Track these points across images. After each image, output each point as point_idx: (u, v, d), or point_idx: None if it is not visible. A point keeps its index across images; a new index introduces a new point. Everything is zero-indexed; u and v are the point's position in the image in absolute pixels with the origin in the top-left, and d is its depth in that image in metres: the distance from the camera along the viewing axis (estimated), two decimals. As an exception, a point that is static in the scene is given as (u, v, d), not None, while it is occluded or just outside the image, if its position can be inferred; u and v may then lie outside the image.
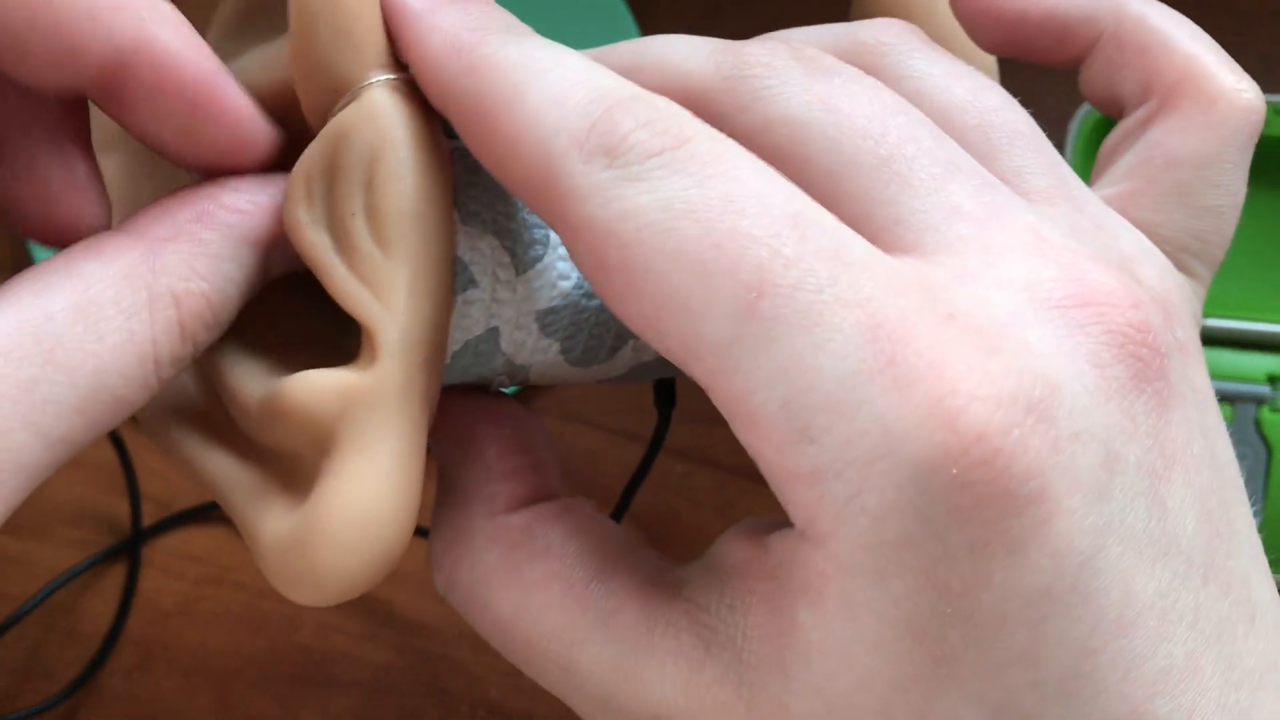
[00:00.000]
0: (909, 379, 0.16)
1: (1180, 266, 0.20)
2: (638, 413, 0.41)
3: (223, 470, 0.21)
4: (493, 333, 0.21)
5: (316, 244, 0.19)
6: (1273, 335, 0.39)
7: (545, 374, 0.22)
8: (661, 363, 0.23)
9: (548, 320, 0.21)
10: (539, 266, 0.21)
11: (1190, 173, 0.20)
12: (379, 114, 0.19)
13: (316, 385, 0.19)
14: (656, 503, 0.40)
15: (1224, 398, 0.39)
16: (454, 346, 0.21)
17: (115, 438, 0.39)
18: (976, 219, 0.17)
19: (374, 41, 0.19)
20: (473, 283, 0.20)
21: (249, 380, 0.20)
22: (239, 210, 0.20)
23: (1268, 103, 0.38)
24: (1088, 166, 0.40)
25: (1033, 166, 0.19)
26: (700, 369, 0.17)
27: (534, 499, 0.21)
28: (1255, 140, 0.21)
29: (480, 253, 0.20)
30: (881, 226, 0.18)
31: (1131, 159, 0.21)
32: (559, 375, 0.23)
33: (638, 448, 0.40)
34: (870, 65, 0.20)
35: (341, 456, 0.18)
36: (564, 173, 0.17)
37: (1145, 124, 0.21)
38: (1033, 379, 0.16)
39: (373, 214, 0.19)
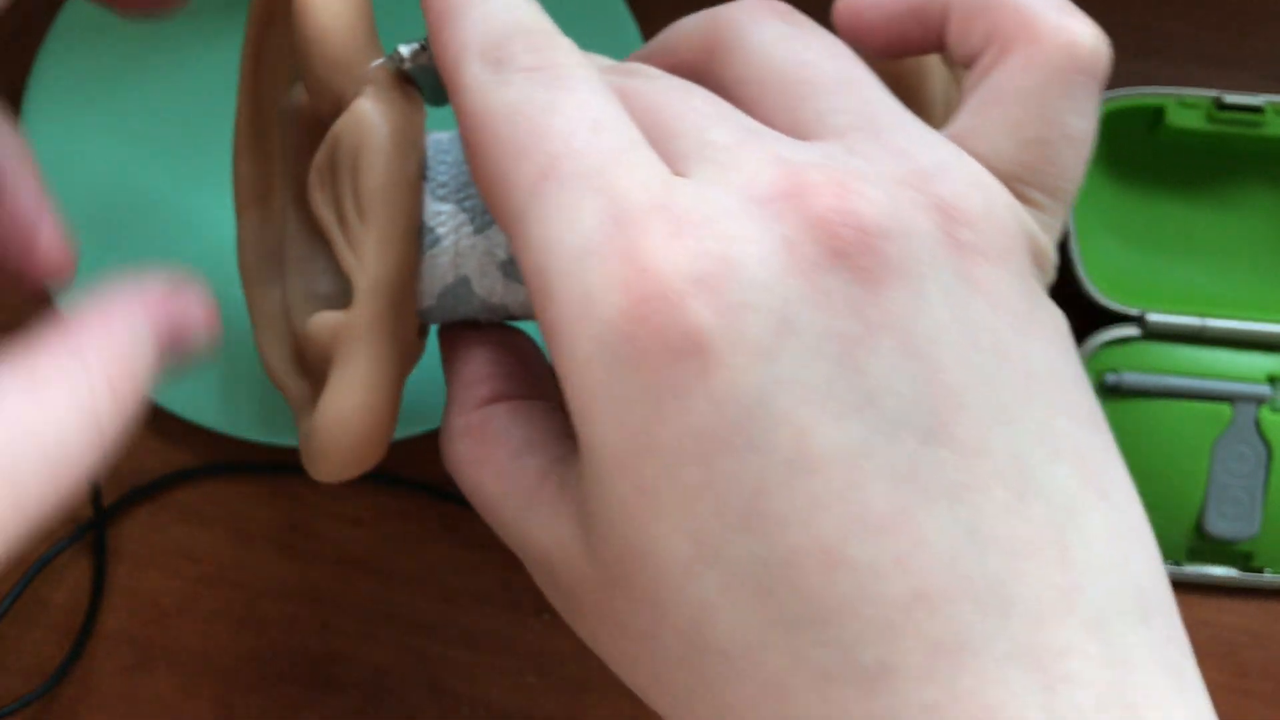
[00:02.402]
0: (614, 255, 0.19)
1: (1019, 195, 0.22)
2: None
3: (293, 386, 0.28)
4: (463, 280, 0.26)
5: (325, 218, 0.25)
6: (1273, 335, 0.39)
7: (526, 311, 0.27)
8: None
9: (509, 269, 0.26)
10: (495, 227, 0.26)
11: (1015, 107, 0.22)
12: (361, 119, 0.24)
13: (319, 322, 0.25)
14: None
15: (1224, 397, 0.39)
16: (436, 291, 0.26)
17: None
18: (727, 147, 0.20)
19: (359, 62, 0.24)
20: (438, 241, 0.25)
21: (302, 320, 0.27)
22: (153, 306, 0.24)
23: (1267, 103, 0.39)
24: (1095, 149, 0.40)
25: (834, 107, 0.21)
26: (509, 235, 0.21)
27: (498, 399, 0.25)
28: (1088, 74, 0.22)
29: (443, 216, 0.25)
30: (663, 161, 0.21)
31: (972, 100, 0.23)
32: None
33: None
34: (721, 39, 0.23)
35: (331, 375, 0.25)
36: (464, 71, 0.22)
37: (987, 70, 0.23)
38: (708, 258, 0.19)
39: (357, 193, 0.24)
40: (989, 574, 0.18)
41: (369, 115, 0.24)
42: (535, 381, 0.26)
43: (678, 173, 0.20)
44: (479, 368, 0.26)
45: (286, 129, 0.28)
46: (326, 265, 0.27)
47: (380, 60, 0.24)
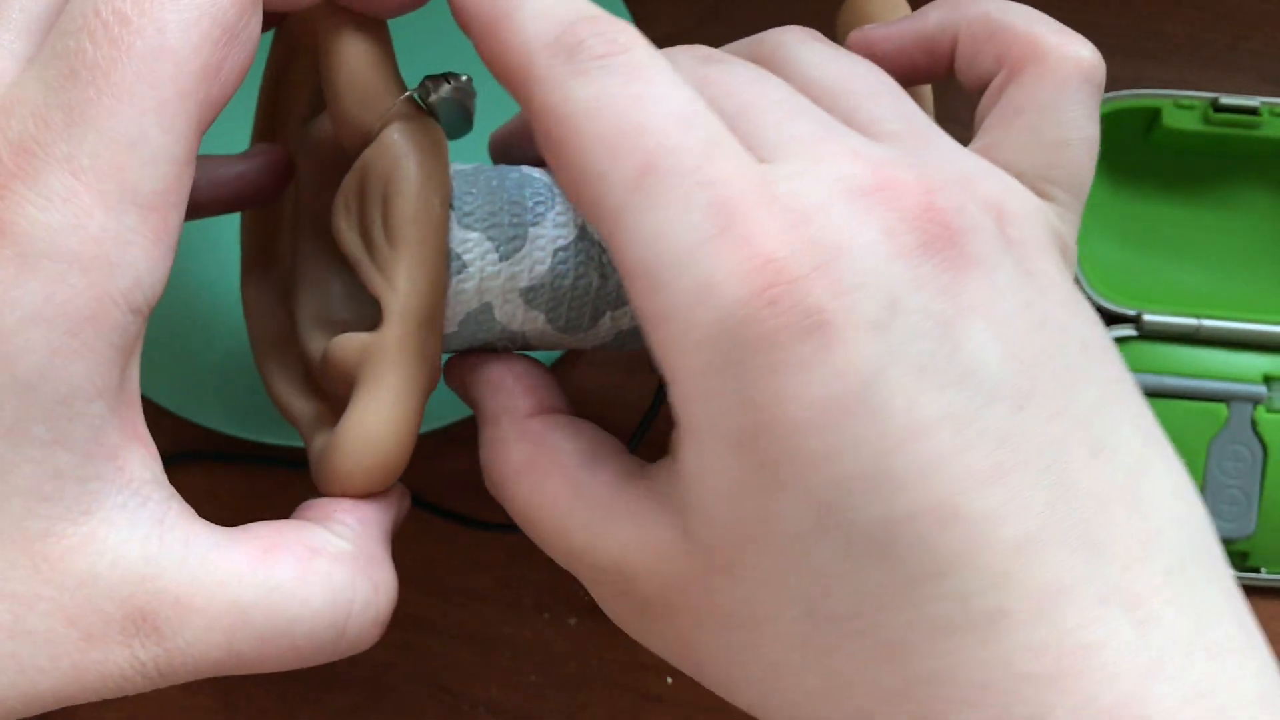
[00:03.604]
0: (731, 244, 0.20)
1: (1042, 194, 0.24)
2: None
3: (299, 407, 0.29)
4: (486, 307, 0.27)
5: (350, 243, 0.26)
6: (1269, 335, 0.39)
7: (542, 340, 0.28)
8: (639, 331, 0.29)
9: (530, 296, 0.27)
10: (518, 255, 0.27)
11: (1034, 116, 0.24)
12: (391, 149, 0.25)
13: (344, 343, 0.26)
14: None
15: (1220, 397, 0.39)
16: (459, 317, 0.27)
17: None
18: (811, 138, 0.22)
19: (384, 97, 0.25)
20: (465, 268, 0.26)
21: (316, 344, 0.28)
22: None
23: (1263, 105, 0.39)
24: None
25: (887, 114, 0.23)
26: (604, 229, 0.21)
27: (548, 411, 0.26)
28: (1092, 83, 0.24)
29: (470, 244, 0.26)
30: (746, 148, 0.22)
31: (991, 118, 0.25)
32: (554, 341, 0.28)
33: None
34: (769, 57, 0.25)
35: (358, 393, 0.25)
36: (534, 64, 0.22)
37: (1000, 90, 0.25)
38: (822, 245, 0.20)
39: (386, 220, 0.25)
40: (1079, 520, 0.20)
41: (399, 145, 0.25)
42: (568, 405, 0.27)
43: (762, 161, 0.22)
44: (520, 379, 0.27)
45: (299, 162, 0.29)
46: (343, 290, 0.28)
47: (407, 93, 0.25)
